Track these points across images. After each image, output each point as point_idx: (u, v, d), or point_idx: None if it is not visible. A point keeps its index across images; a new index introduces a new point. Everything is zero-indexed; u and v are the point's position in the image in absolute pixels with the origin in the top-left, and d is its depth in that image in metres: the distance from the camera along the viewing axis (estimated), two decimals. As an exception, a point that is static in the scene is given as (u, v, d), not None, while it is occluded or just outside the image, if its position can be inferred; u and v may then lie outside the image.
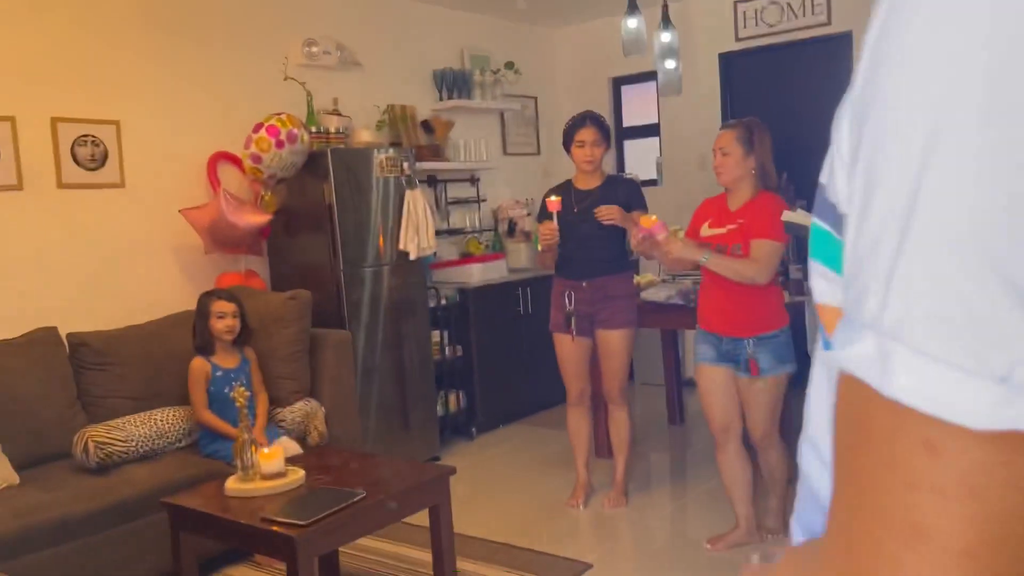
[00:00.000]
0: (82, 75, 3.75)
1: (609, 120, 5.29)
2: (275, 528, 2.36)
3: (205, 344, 3.38)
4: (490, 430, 5.07)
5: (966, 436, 0.31)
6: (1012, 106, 0.30)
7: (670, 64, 4.78)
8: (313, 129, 4.27)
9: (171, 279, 4.05)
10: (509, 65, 5.73)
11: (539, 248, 3.61)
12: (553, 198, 3.49)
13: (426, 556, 2.92)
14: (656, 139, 6.12)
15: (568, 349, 3.65)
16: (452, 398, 4.92)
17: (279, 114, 4.01)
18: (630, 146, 6.40)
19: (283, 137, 3.93)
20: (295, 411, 3.62)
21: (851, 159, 0.36)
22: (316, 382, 3.80)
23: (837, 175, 0.39)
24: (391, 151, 4.45)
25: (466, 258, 5.31)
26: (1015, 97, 0.30)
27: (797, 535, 0.57)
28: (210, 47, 4.22)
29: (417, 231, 4.40)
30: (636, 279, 4.02)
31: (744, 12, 5.52)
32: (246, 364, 3.48)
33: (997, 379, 0.30)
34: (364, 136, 4.61)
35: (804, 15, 5.33)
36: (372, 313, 4.29)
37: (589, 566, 3.16)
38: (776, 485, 3.24)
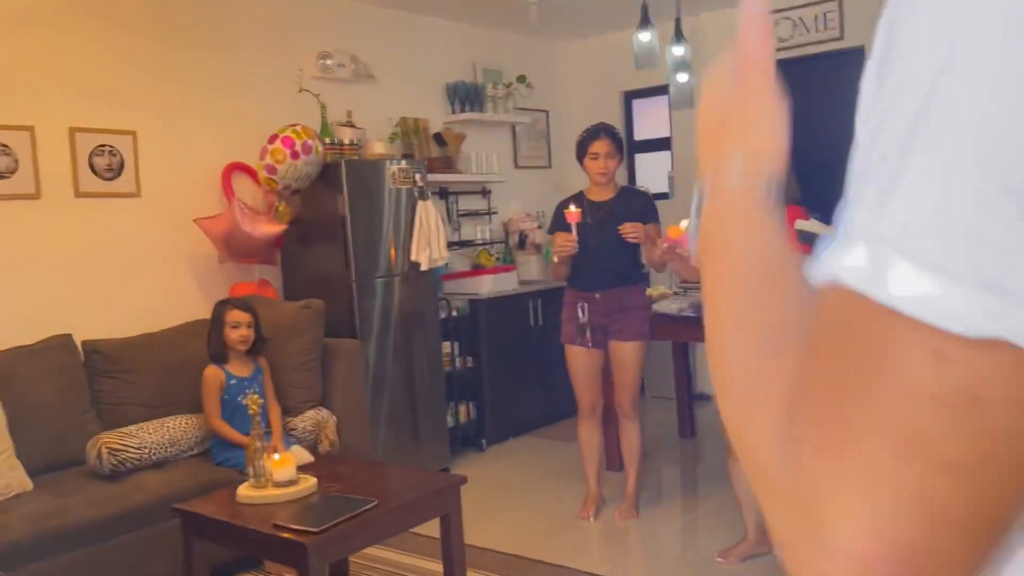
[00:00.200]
0: (100, 86, 3.80)
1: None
2: (287, 535, 2.37)
3: (219, 353, 3.40)
4: (500, 442, 5.06)
5: (968, 347, 0.31)
6: None
7: (683, 77, 4.80)
8: (327, 141, 4.31)
9: (185, 288, 4.08)
10: (521, 79, 5.76)
11: (554, 259, 3.62)
12: (572, 208, 3.49)
13: (436, 567, 2.92)
14: (667, 153, 6.13)
15: (580, 361, 3.65)
16: (462, 409, 4.92)
17: (294, 125, 4.05)
18: (641, 159, 6.41)
19: (298, 148, 3.96)
20: (306, 420, 3.63)
21: (876, 81, 0.36)
22: (328, 391, 3.82)
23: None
24: (404, 163, 4.48)
25: (477, 270, 5.33)
26: None
27: None
28: (226, 60, 4.27)
29: (429, 242, 4.42)
30: (648, 291, 4.03)
31: (756, 27, 5.53)
32: (259, 373, 3.50)
33: (996, 289, 0.30)
34: (377, 148, 4.64)
35: (816, 30, 5.34)
36: (383, 323, 4.30)
37: (599, 578, 3.15)
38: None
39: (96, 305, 3.75)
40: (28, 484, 3.03)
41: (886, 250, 0.32)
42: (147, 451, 3.25)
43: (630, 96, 6.30)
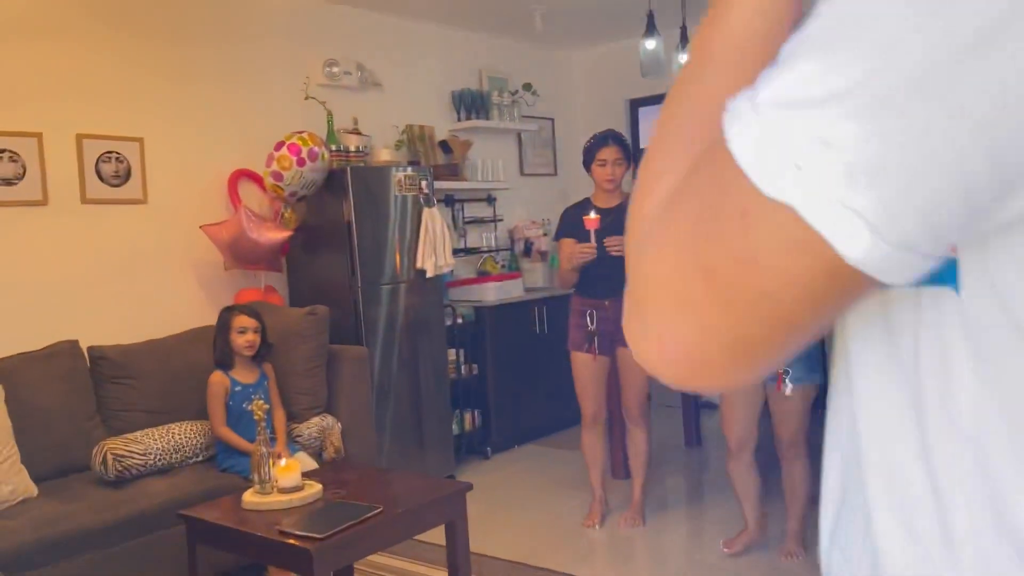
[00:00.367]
0: (107, 93, 3.81)
1: (626, 141, 5.30)
2: (292, 541, 2.36)
3: (224, 358, 3.40)
4: (505, 449, 5.05)
5: (766, 206, 0.38)
6: None
7: (688, 85, 4.79)
8: (333, 148, 4.32)
9: (191, 294, 4.09)
10: (527, 87, 5.77)
11: (565, 266, 3.61)
12: (592, 215, 3.48)
13: (441, 574, 2.91)
14: (673, 161, 6.13)
15: (586, 368, 3.64)
16: (467, 417, 4.91)
17: (300, 133, 4.05)
18: (647, 167, 6.41)
19: (304, 155, 3.97)
20: (311, 426, 3.62)
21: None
22: (333, 398, 3.81)
23: None
24: (409, 170, 4.48)
25: (483, 277, 5.33)
26: None
27: (836, 561, 0.54)
28: (233, 67, 4.29)
29: (434, 249, 4.42)
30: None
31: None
32: (264, 379, 3.49)
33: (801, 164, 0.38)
34: (383, 155, 4.65)
35: None
36: (389, 330, 4.30)
37: (605, 586, 3.13)
38: (796, 503, 3.23)
39: (102, 311, 3.76)
40: (34, 490, 3.03)
41: (750, 115, 0.39)
42: (152, 457, 3.24)
43: (636, 104, 6.31)
